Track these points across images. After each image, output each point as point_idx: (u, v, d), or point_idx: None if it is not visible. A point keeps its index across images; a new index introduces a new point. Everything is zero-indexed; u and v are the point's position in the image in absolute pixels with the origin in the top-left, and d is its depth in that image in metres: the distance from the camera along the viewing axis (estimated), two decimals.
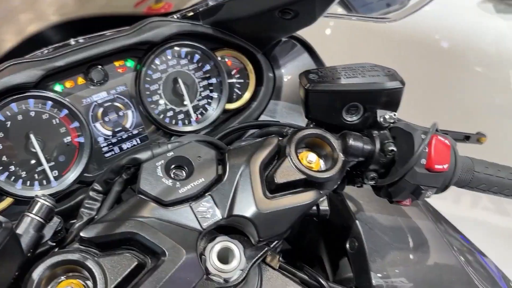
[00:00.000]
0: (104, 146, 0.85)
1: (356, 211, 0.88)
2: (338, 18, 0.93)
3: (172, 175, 0.63)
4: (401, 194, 0.69)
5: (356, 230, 0.85)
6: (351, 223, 0.87)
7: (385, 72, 0.69)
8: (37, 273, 0.51)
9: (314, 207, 0.68)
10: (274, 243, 0.66)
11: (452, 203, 2.41)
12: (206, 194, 0.61)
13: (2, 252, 0.47)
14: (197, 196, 0.61)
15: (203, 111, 0.93)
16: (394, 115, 0.68)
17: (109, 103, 0.85)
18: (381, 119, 0.68)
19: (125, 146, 0.87)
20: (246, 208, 0.60)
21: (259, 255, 0.64)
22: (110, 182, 0.67)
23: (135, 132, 0.88)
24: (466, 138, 0.95)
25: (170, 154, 0.63)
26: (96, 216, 0.64)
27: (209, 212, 0.60)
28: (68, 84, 0.81)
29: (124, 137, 0.86)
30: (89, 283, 0.53)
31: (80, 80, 0.82)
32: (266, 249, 0.65)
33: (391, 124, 0.69)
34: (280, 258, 0.77)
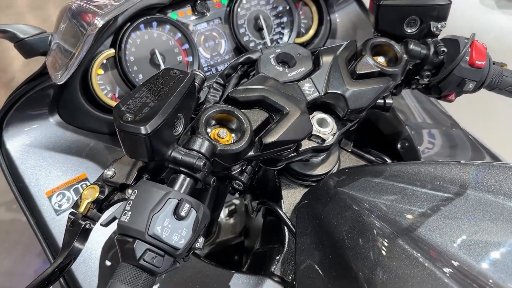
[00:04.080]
0: (205, 67, 1.06)
1: (405, 120, 1.09)
2: None
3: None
4: (449, 87, 0.90)
5: (406, 134, 1.07)
6: (401, 129, 1.08)
7: None
8: (206, 114, 0.70)
9: (381, 101, 0.89)
10: (353, 122, 0.87)
11: None
12: (307, 78, 0.82)
13: (189, 91, 0.65)
14: (300, 79, 0.80)
15: (276, 44, 1.14)
16: (445, 23, 0.89)
17: (208, 32, 1.06)
18: (434, 28, 0.89)
19: (219, 68, 1.07)
20: (338, 87, 0.80)
21: (344, 128, 0.85)
22: (229, 76, 0.87)
23: (226, 57, 1.08)
24: (492, 63, 1.16)
25: (278, 50, 0.84)
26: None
27: (310, 90, 0.80)
28: (180, 14, 1.02)
29: (218, 60, 1.07)
30: (232, 134, 0.73)
31: (189, 11, 1.03)
32: (348, 124, 0.86)
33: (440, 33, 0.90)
34: (352, 144, 0.98)
